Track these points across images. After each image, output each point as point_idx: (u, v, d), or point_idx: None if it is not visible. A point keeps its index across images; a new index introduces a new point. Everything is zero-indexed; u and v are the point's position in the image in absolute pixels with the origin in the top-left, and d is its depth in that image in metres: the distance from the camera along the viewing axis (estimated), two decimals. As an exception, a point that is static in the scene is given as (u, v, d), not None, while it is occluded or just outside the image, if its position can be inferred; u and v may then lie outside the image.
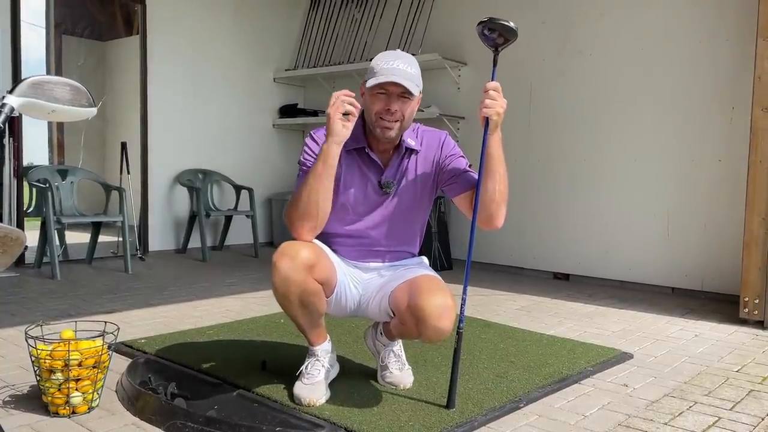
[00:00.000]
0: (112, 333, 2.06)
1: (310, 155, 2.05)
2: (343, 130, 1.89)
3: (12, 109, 1.07)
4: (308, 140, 2.10)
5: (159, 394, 2.05)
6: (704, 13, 4.06)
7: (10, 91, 1.10)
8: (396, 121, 1.99)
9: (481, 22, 1.92)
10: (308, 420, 1.89)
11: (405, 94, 1.95)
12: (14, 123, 4.64)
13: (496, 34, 1.93)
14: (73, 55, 6.18)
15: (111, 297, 3.76)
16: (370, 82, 1.95)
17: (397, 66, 1.94)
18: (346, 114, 1.88)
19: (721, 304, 3.82)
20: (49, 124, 5.70)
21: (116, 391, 2.17)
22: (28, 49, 4.93)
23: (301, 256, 1.89)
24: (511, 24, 1.90)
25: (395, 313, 2.00)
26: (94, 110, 1.22)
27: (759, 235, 3.30)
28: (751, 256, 3.33)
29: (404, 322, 1.95)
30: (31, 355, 1.97)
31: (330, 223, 2.10)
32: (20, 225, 4.65)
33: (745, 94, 3.65)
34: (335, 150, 1.89)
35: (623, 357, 2.69)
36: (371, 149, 2.08)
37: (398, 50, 2.07)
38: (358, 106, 1.91)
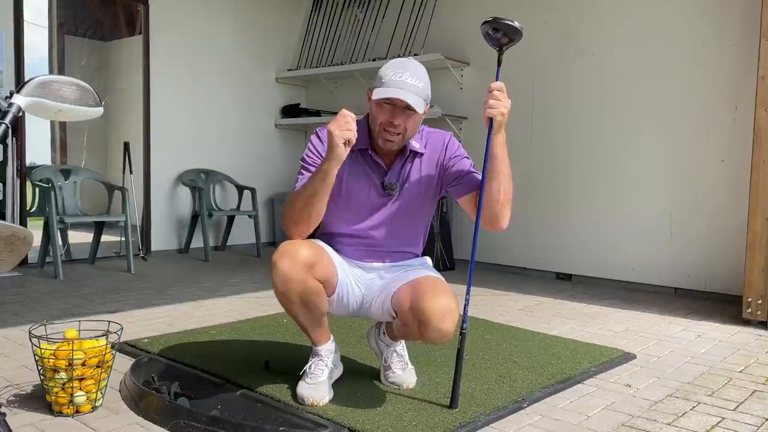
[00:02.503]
0: (115, 332, 2.06)
1: (313, 153, 2.05)
2: (345, 153, 1.86)
3: (19, 109, 1.07)
4: (314, 138, 2.10)
5: (162, 393, 2.05)
6: (707, 14, 4.06)
7: (18, 91, 1.11)
8: (398, 134, 1.98)
9: (485, 22, 1.91)
10: (311, 420, 1.89)
11: (410, 108, 1.94)
12: (17, 122, 4.63)
13: (501, 34, 1.92)
14: (76, 55, 6.20)
15: (114, 297, 3.76)
16: (376, 94, 1.94)
17: (406, 80, 1.93)
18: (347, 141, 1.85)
19: (724, 305, 3.81)
20: (52, 123, 5.72)
21: (120, 391, 2.17)
22: (31, 49, 4.94)
23: (300, 255, 1.89)
24: (516, 24, 1.89)
25: (397, 314, 2.00)
26: (100, 110, 1.22)
27: (762, 236, 3.30)
28: (755, 256, 3.33)
29: (406, 323, 1.95)
30: (34, 355, 1.97)
31: (333, 223, 2.11)
32: (23, 225, 4.66)
33: (749, 94, 3.65)
34: (335, 169, 1.88)
35: (626, 357, 2.69)
36: (374, 151, 2.08)
37: (410, 59, 2.06)
38: (356, 133, 1.87)
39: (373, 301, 2.09)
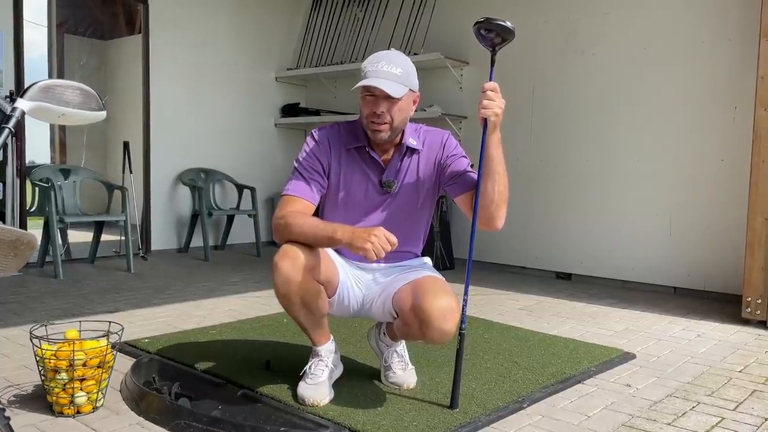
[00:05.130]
0: (116, 333, 2.06)
1: (308, 156, 2.06)
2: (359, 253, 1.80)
3: (23, 113, 1.08)
4: (309, 139, 2.10)
5: (163, 394, 2.06)
6: (707, 13, 4.06)
7: (21, 95, 1.11)
8: (384, 123, 1.98)
9: (477, 23, 1.90)
10: (312, 420, 1.90)
11: (389, 96, 1.94)
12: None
13: (494, 34, 1.92)
14: (76, 54, 6.19)
15: (114, 296, 3.77)
16: (356, 86, 1.96)
17: (381, 68, 1.95)
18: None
19: (723, 304, 3.82)
20: (52, 123, 5.71)
21: (120, 391, 2.17)
22: (31, 48, 4.94)
23: (302, 257, 1.89)
24: (508, 24, 1.88)
25: (399, 315, 2.00)
26: (103, 113, 1.22)
27: (761, 235, 3.30)
28: (754, 255, 3.33)
29: (408, 323, 1.95)
30: (35, 355, 1.98)
31: (332, 225, 2.11)
32: (23, 224, 4.66)
33: (748, 93, 3.65)
34: (343, 246, 1.87)
35: (626, 357, 2.69)
36: (371, 148, 2.08)
37: (391, 50, 2.07)
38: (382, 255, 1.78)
39: (373, 301, 2.09)
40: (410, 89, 2.00)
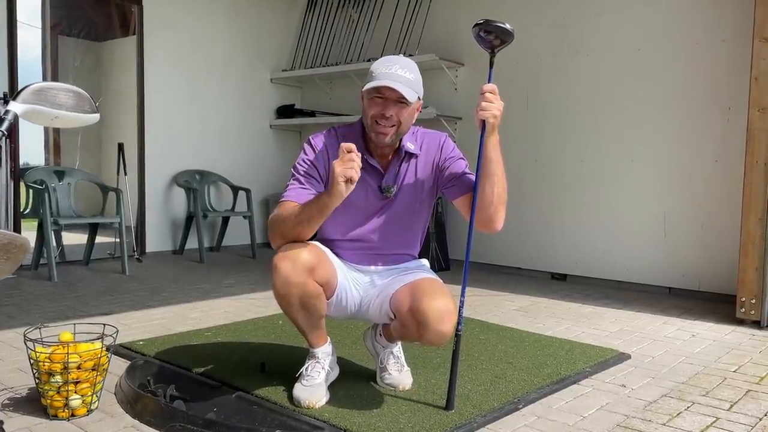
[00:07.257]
0: (111, 335, 2.06)
1: (305, 162, 2.05)
2: (346, 192, 1.81)
3: (16, 116, 1.07)
4: (306, 146, 2.10)
5: (158, 396, 2.05)
6: (701, 14, 4.08)
7: (14, 98, 1.10)
8: (392, 126, 1.98)
9: (477, 24, 1.91)
10: (308, 422, 1.90)
11: (401, 99, 1.94)
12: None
13: (493, 36, 1.92)
14: (70, 56, 6.16)
15: (108, 298, 3.75)
16: (367, 86, 1.95)
17: (395, 71, 1.94)
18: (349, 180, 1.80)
19: (718, 304, 3.83)
20: (46, 125, 5.68)
21: (115, 394, 2.16)
22: (24, 50, 4.92)
23: (301, 258, 1.90)
24: (508, 26, 1.89)
25: (396, 316, 2.00)
26: (96, 116, 1.22)
27: (756, 235, 3.31)
28: (748, 256, 3.34)
29: (405, 325, 1.96)
30: (29, 358, 1.97)
31: (331, 229, 2.11)
32: (17, 226, 4.64)
33: (742, 94, 3.67)
34: (334, 205, 1.84)
35: (621, 357, 2.70)
36: (370, 154, 2.08)
37: (400, 55, 2.07)
38: (359, 172, 1.81)
39: (371, 303, 2.09)
40: (418, 96, 2.00)
